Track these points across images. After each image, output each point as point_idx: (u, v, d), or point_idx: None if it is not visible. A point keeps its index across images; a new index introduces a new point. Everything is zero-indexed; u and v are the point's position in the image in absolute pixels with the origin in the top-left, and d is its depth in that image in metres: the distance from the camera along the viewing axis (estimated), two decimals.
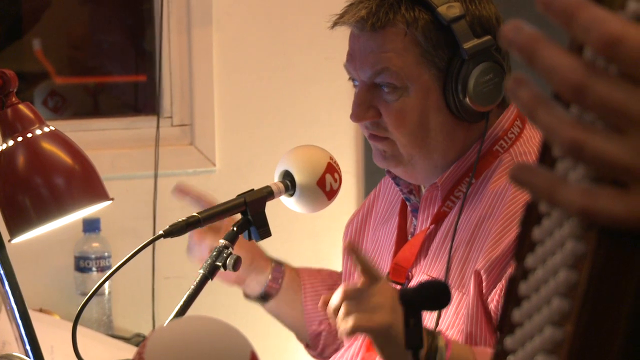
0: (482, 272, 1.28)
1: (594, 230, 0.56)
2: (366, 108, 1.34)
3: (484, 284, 1.29)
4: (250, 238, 1.38)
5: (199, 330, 1.08)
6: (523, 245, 0.63)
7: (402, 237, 1.44)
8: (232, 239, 1.35)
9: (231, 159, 2.37)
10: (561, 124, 0.54)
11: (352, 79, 1.39)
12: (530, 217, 0.63)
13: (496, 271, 1.28)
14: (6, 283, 1.35)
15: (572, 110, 0.55)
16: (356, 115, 1.36)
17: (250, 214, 1.37)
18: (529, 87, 0.55)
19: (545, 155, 0.59)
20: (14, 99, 1.49)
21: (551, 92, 0.56)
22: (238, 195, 1.40)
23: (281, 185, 1.43)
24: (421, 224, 1.41)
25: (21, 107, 1.49)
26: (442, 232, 1.37)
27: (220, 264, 1.33)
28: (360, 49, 1.34)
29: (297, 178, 1.42)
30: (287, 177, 1.43)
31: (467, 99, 1.31)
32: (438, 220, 1.37)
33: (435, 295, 1.03)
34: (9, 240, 1.45)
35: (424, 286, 1.04)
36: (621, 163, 0.53)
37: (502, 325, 0.63)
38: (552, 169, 0.58)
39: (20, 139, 1.47)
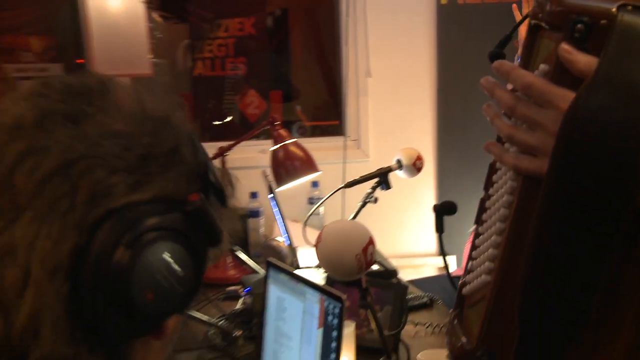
0: None
1: (521, 176, 0.80)
2: None
3: None
4: (383, 188, 2.33)
5: (346, 223, 1.55)
6: (488, 182, 0.90)
7: None
8: (376, 187, 2.34)
9: (378, 154, 3.37)
10: (504, 125, 0.80)
11: None
12: (492, 168, 0.90)
13: None
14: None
15: (511, 120, 0.80)
16: None
17: (383, 178, 2.34)
18: (493, 106, 0.83)
19: (499, 140, 0.84)
20: (278, 125, 2.56)
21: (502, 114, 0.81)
22: (378, 169, 2.35)
23: (396, 165, 2.37)
24: None
25: (282, 131, 2.58)
26: None
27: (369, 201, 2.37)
28: None
29: (404, 161, 2.37)
30: (399, 161, 2.37)
31: None
32: None
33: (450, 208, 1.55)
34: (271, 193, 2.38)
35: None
36: (532, 145, 0.77)
37: (479, 218, 0.92)
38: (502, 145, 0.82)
39: (281, 144, 2.56)
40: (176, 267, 0.68)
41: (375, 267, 2.35)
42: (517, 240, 0.80)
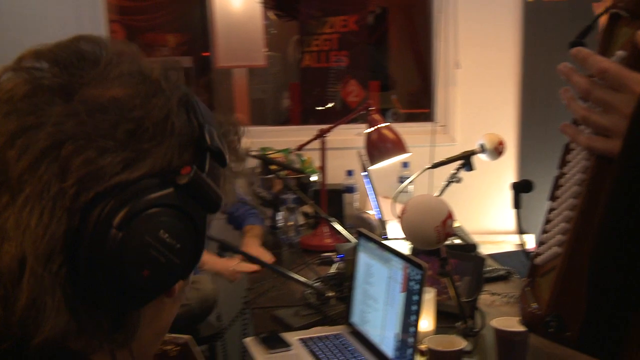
0: None
1: (594, 156, 0.78)
2: None
3: None
4: (466, 170, 2.33)
5: (428, 197, 1.57)
6: (563, 161, 0.87)
7: None
8: (460, 168, 2.35)
9: (464, 139, 3.25)
10: (580, 108, 0.77)
11: None
12: (567, 148, 0.87)
13: None
14: None
15: (586, 104, 0.77)
16: None
17: (466, 160, 2.34)
18: (569, 91, 0.78)
19: (574, 123, 0.81)
20: (373, 110, 2.58)
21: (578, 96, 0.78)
22: (462, 152, 2.35)
23: (479, 149, 2.36)
24: None
25: (376, 115, 2.59)
26: None
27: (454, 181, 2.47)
28: None
29: (487, 145, 2.35)
30: (482, 145, 2.35)
31: None
32: None
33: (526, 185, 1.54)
34: (363, 171, 2.55)
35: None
36: (606, 126, 0.75)
37: (552, 194, 0.89)
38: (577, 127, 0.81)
39: (375, 128, 2.57)
40: (172, 241, 0.61)
41: (457, 241, 2.34)
42: (588, 215, 0.77)
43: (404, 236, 1.54)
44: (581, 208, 0.79)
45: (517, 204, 1.46)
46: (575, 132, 0.79)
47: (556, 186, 0.88)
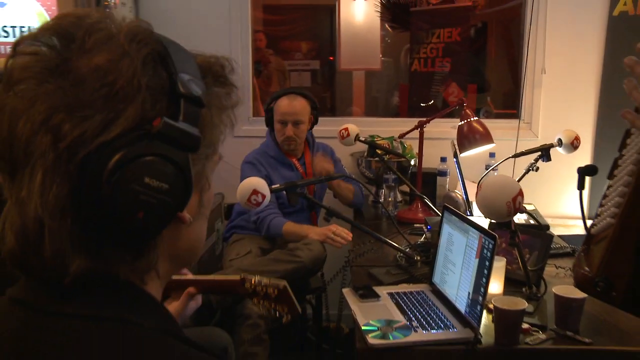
0: None
1: None
2: None
3: None
4: (544, 160, 2.26)
5: (501, 177, 1.52)
6: (623, 144, 0.90)
7: None
8: (538, 159, 2.29)
9: (546, 135, 3.14)
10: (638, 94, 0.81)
11: None
12: (627, 133, 0.90)
13: None
14: None
15: None
16: None
17: (544, 152, 2.29)
18: (632, 81, 0.79)
19: (636, 110, 0.84)
20: (466, 106, 2.60)
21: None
22: (541, 145, 2.31)
23: (557, 143, 2.30)
24: None
25: (468, 110, 2.55)
26: None
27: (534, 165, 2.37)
28: None
29: (563, 140, 2.29)
30: (560, 140, 2.30)
31: None
32: None
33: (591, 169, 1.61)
34: (455, 156, 2.51)
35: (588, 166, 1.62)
36: None
37: (611, 173, 0.91)
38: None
39: (465, 121, 2.55)
40: (159, 184, 0.60)
41: (531, 221, 2.29)
42: None
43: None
44: (635, 184, 0.77)
45: (581, 185, 1.48)
46: (635, 117, 0.78)
47: (615, 166, 0.87)
